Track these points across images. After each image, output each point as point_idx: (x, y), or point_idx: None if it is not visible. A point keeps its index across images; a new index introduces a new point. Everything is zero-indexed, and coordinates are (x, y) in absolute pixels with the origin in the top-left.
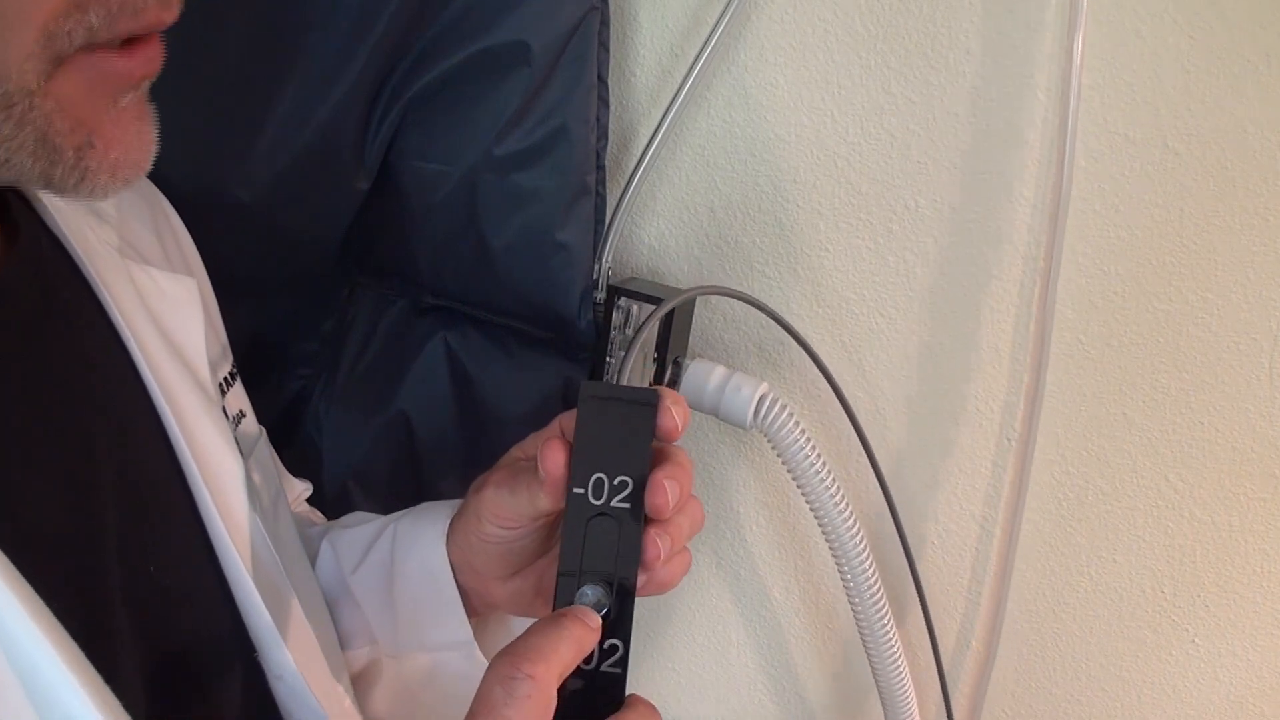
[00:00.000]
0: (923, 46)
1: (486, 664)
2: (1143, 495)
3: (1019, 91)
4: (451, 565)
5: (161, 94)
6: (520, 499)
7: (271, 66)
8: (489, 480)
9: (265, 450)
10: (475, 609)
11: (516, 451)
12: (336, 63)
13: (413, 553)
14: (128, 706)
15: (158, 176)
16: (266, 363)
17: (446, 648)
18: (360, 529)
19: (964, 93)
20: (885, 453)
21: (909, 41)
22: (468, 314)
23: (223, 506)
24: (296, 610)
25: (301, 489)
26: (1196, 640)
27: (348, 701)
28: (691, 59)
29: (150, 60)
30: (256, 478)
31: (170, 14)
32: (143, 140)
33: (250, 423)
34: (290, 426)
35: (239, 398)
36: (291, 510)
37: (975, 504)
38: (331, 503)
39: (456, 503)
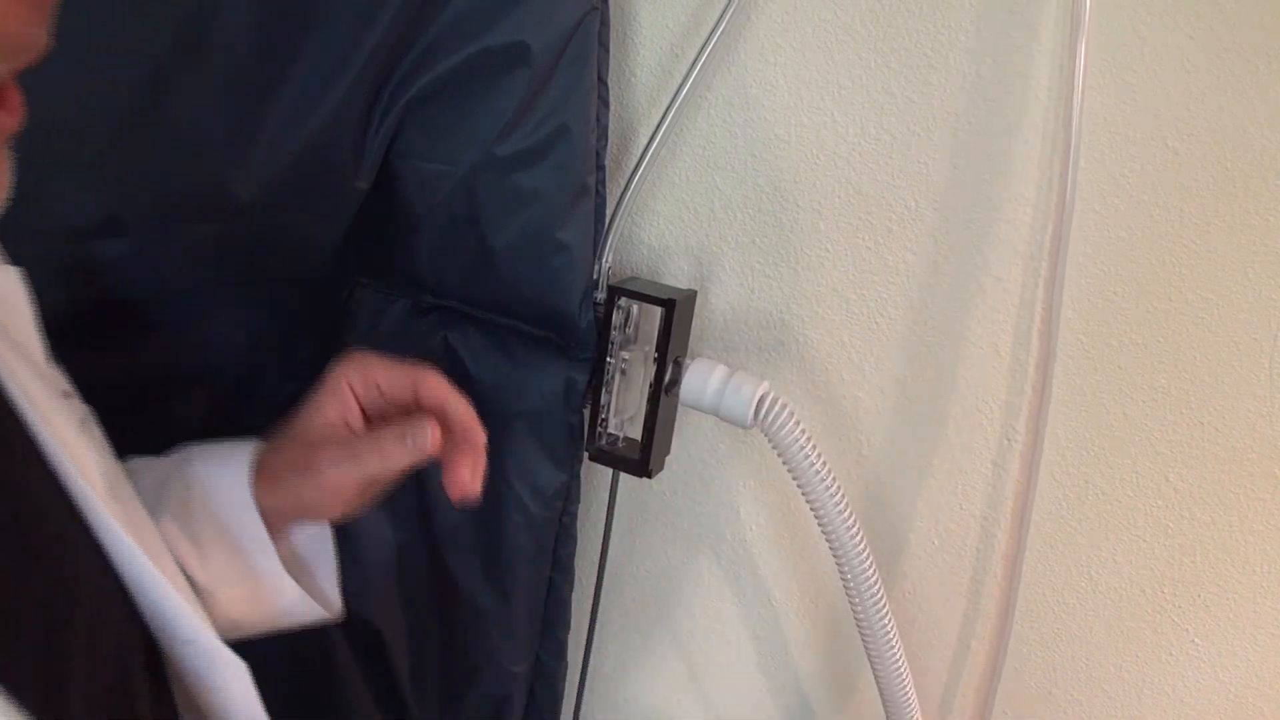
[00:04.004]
0: (923, 46)
1: (295, 586)
2: (1143, 495)
3: (1020, 92)
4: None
5: (163, 94)
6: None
7: (271, 67)
8: (322, 457)
9: (98, 428)
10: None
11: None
12: (337, 63)
13: (218, 497)
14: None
15: (160, 175)
16: (266, 362)
17: (256, 578)
18: (146, 477)
19: (964, 93)
20: (886, 453)
21: (909, 41)
22: (468, 314)
23: (87, 494)
24: (177, 573)
25: None
26: (1196, 640)
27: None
28: (691, 59)
29: (15, 112)
30: (108, 457)
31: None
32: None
33: (78, 403)
34: None
35: (61, 377)
36: None
37: (977, 504)
38: None
39: (249, 446)
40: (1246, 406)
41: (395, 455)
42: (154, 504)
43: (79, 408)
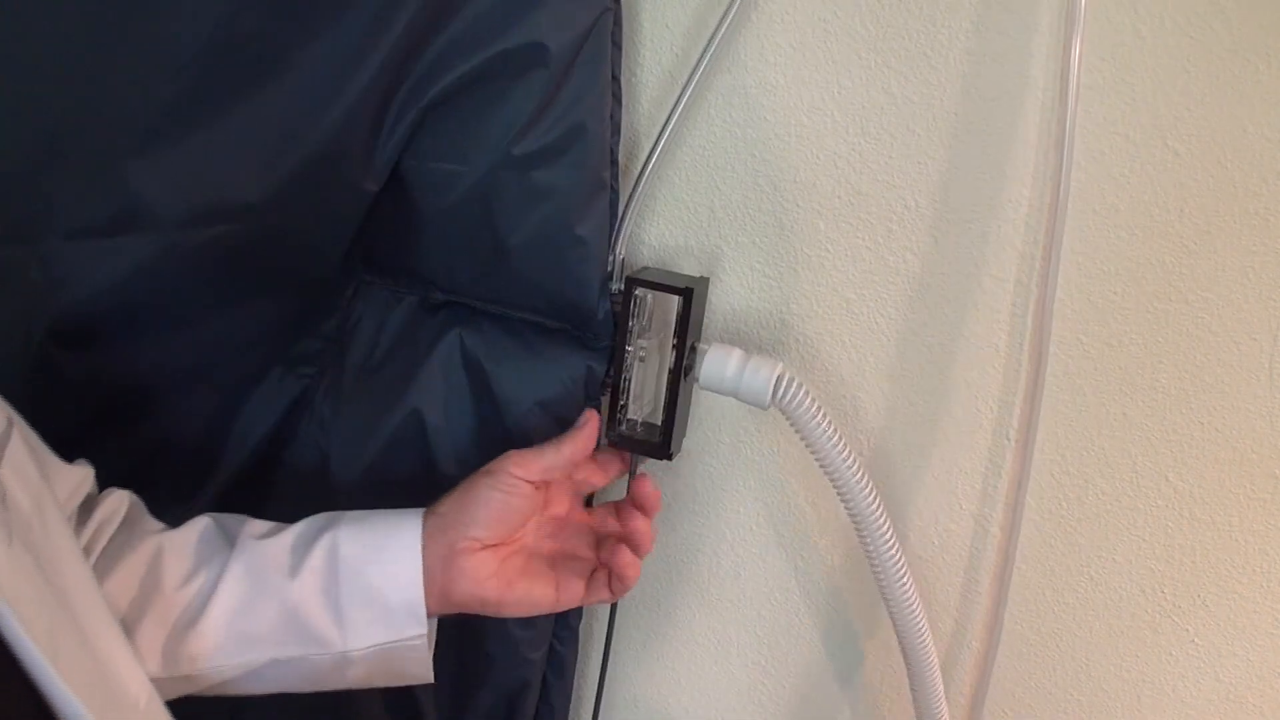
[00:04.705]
0: (923, 46)
1: (428, 655)
2: (1143, 495)
3: (1019, 91)
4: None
5: (173, 95)
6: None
7: (283, 68)
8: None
9: (18, 443)
10: (430, 609)
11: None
12: (349, 66)
13: (377, 556)
14: None
15: (169, 176)
16: (267, 362)
17: (398, 642)
18: (278, 539)
19: (964, 93)
20: (885, 452)
21: (909, 41)
22: (480, 308)
23: None
24: (74, 645)
25: (80, 476)
26: (1196, 640)
27: (143, 703)
28: (694, 59)
29: None
30: (13, 489)
31: None
32: None
33: None
34: (292, 427)
35: None
36: (67, 507)
37: (973, 503)
38: (343, 506)
39: (417, 511)
40: (1246, 406)
41: (568, 448)
42: (292, 565)
43: None
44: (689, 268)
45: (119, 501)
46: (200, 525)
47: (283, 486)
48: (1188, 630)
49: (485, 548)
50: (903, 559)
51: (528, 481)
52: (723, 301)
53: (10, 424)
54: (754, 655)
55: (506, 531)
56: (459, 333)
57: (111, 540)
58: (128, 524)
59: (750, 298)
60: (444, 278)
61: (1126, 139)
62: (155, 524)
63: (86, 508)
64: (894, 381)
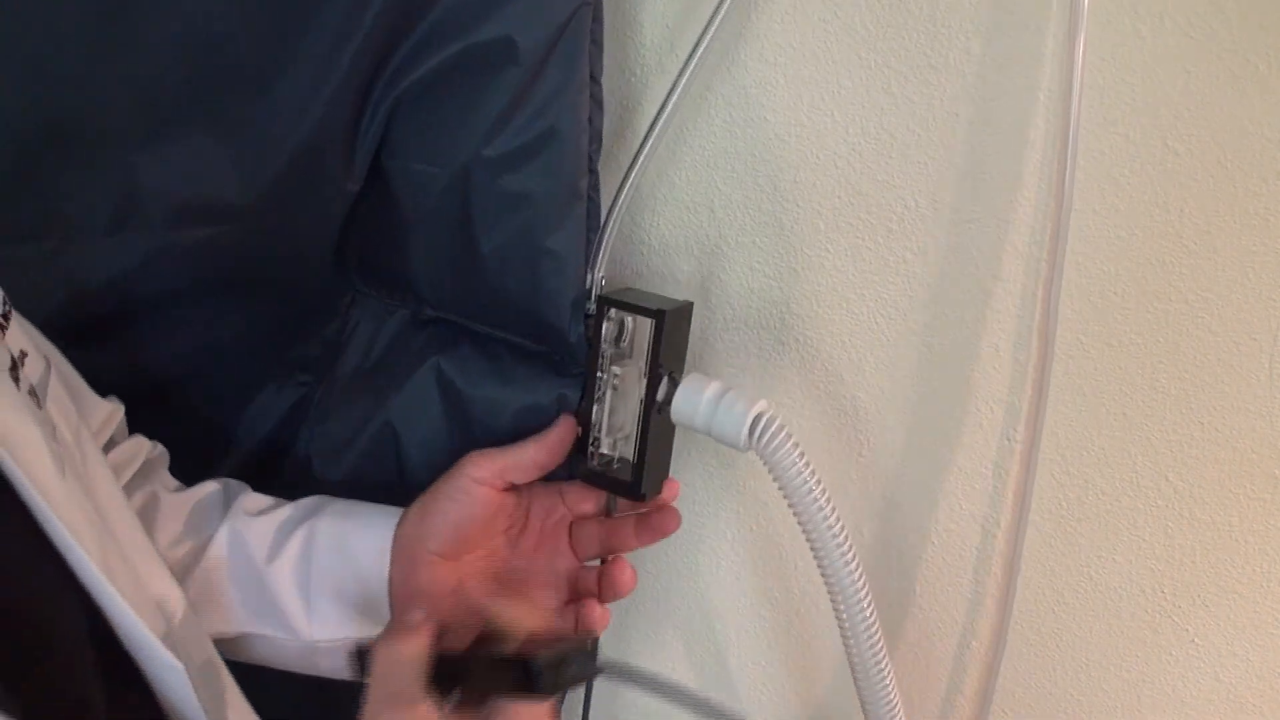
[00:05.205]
0: (923, 46)
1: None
2: (1143, 495)
3: (1020, 91)
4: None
5: (160, 98)
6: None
7: (259, 68)
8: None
9: (57, 382)
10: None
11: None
12: (326, 63)
13: (347, 554)
14: None
15: (156, 179)
16: (267, 367)
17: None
18: (267, 518)
19: (964, 93)
20: (885, 453)
21: (909, 41)
22: (465, 327)
23: (34, 481)
24: (121, 564)
25: (109, 410)
26: (1196, 640)
27: (178, 618)
28: (688, 57)
29: None
30: (59, 424)
31: None
32: None
33: (35, 360)
34: (291, 432)
35: (15, 336)
36: (98, 439)
37: (976, 504)
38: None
39: (395, 510)
40: (1246, 406)
41: (533, 448)
42: (272, 548)
43: (27, 377)
44: (687, 268)
45: (137, 447)
46: (205, 490)
47: (281, 491)
48: (1188, 630)
49: (444, 561)
50: (879, 631)
51: (486, 486)
52: (722, 302)
53: (49, 363)
54: (754, 657)
55: (462, 544)
56: (438, 351)
57: (124, 487)
58: (141, 474)
59: (750, 298)
60: (431, 291)
61: (1126, 139)
62: (169, 480)
63: (108, 447)
64: (894, 382)
